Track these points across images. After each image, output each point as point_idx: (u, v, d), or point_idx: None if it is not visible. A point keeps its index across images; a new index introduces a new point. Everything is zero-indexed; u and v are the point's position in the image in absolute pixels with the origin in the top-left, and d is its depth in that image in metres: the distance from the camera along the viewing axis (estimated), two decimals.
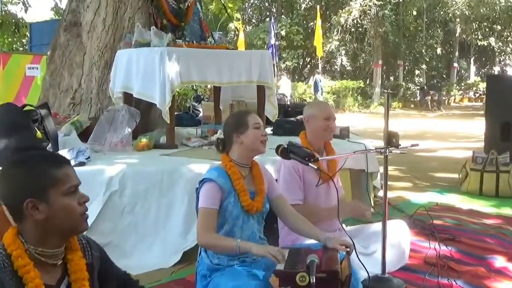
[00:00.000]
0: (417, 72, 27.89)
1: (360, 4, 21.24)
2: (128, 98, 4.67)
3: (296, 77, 27.12)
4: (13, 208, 1.37)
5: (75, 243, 1.48)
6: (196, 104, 9.00)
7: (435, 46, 26.45)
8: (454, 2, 23.62)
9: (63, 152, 3.70)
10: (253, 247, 2.13)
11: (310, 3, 23.70)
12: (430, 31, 25.86)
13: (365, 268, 2.23)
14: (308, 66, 27.61)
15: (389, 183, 2.53)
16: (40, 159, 1.39)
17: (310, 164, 2.26)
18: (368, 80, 25.25)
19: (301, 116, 3.08)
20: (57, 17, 13.93)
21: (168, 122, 4.24)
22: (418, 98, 23.03)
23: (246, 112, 2.43)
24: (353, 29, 22.53)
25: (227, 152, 2.38)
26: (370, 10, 21.49)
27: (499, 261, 3.29)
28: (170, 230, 3.44)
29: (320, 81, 18.15)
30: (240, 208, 2.29)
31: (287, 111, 6.52)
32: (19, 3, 12.94)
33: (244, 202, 2.29)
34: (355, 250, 2.17)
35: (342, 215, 2.61)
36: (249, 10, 27.31)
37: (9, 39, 14.82)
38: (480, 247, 3.63)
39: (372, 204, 4.68)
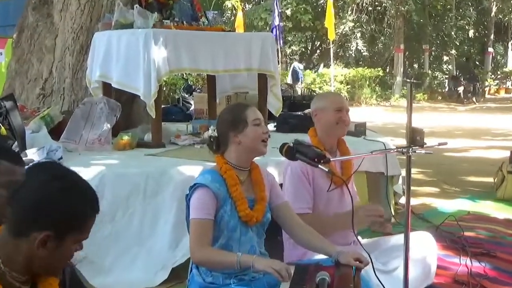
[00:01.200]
0: (445, 58, 27.84)
1: None
2: (107, 88, 4.66)
3: (304, 64, 27.09)
4: (20, 228, 1.35)
5: None
6: (187, 95, 9.01)
7: (467, 27, 26.38)
8: None
9: (31, 152, 3.70)
10: (256, 260, 2.13)
11: None
12: (460, 10, 25.81)
13: None
14: (318, 51, 27.58)
15: (412, 188, 2.52)
16: (83, 195, 1.42)
17: (320, 166, 2.26)
18: (388, 67, 25.22)
19: (309, 110, 3.08)
20: None
21: (154, 116, 4.24)
22: (447, 89, 23.00)
23: (244, 106, 2.41)
24: (370, 8, 22.49)
25: (222, 153, 2.37)
26: None
27: None
28: (157, 243, 3.44)
29: (300, 69, 18.10)
30: (237, 219, 2.29)
31: (293, 104, 6.52)
32: None
33: (241, 212, 2.29)
34: (373, 266, 2.17)
35: (357, 224, 2.60)
36: None
37: None
38: None
39: (393, 213, 4.67)
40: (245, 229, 2.32)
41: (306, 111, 5.47)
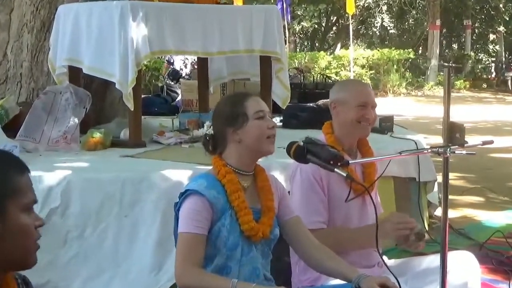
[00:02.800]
0: (491, 36, 27.83)
1: None
2: (74, 74, 4.66)
3: (317, 44, 27.14)
4: None
5: (10, 281, 1.50)
6: (172, 83, 9.02)
7: None
8: None
9: None
10: None
11: None
12: None
13: None
14: (334, 28, 27.58)
15: (451, 197, 2.53)
16: (0, 158, 1.48)
17: (337, 170, 2.26)
18: (420, 48, 25.22)
19: (324, 100, 3.09)
20: None
21: (132, 109, 4.24)
22: (493, 75, 22.99)
23: (244, 95, 2.42)
24: None
25: (220, 154, 2.38)
26: None
27: None
28: (136, 264, 3.44)
29: None
30: (239, 234, 2.29)
31: (304, 93, 6.51)
32: None
33: (245, 225, 2.29)
34: None
35: (380, 236, 2.61)
36: None
37: None
38: None
39: (427, 228, 4.67)
40: (248, 246, 2.32)
41: (320, 102, 5.46)
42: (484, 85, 22.58)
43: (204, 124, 2.44)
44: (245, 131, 2.32)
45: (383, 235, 2.65)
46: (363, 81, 15.53)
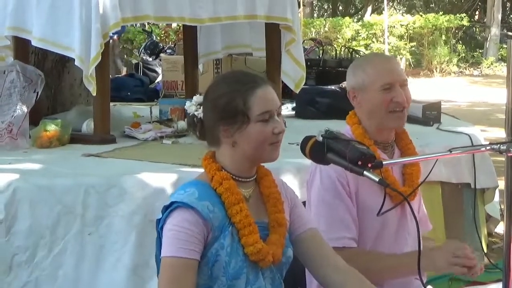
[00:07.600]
0: None
1: None
2: (21, 48, 4.69)
3: (341, 7, 27.14)
4: None
5: None
6: (150, 59, 9.01)
7: None
8: None
9: None
10: None
11: None
12: None
13: None
14: None
15: None
16: None
17: (366, 173, 2.26)
18: (477, 13, 25.16)
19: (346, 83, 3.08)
20: None
21: (94, 93, 4.24)
22: None
23: (252, 83, 2.33)
24: None
25: (212, 151, 2.37)
26: None
27: None
28: None
29: None
30: (243, 258, 2.29)
31: (323, 72, 6.49)
32: None
33: (250, 246, 2.28)
34: None
35: (427, 268, 2.60)
36: None
37: None
38: None
39: (485, 250, 4.66)
40: (254, 274, 2.32)
41: (345, 84, 5.44)
42: None
43: (192, 100, 2.39)
44: (243, 135, 2.28)
45: (432, 266, 2.65)
46: (393, 56, 15.48)
